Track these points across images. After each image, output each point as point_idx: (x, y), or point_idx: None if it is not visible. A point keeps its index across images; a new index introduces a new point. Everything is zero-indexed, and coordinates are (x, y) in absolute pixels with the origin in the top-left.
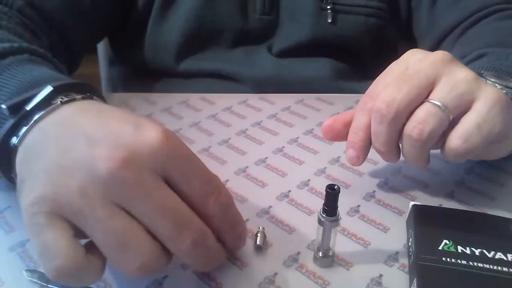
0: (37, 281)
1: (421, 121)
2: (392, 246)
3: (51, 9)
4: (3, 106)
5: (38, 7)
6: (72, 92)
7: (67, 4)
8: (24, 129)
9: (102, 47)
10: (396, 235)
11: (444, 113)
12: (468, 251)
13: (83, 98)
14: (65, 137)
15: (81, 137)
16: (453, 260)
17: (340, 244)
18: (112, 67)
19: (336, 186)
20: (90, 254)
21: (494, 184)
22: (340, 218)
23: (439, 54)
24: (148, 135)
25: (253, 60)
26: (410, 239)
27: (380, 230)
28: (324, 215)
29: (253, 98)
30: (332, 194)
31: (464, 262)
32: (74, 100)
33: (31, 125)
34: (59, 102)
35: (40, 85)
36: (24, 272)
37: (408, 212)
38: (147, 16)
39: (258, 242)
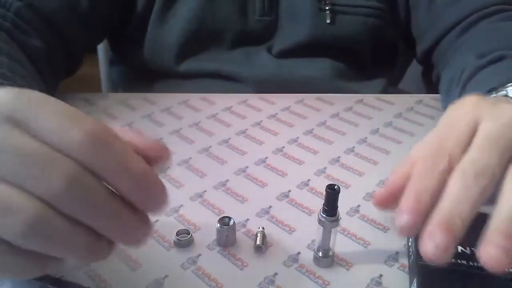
0: (37, 281)
1: None
2: (392, 246)
3: (49, 10)
4: None
5: (37, 8)
6: None
7: (65, 6)
8: None
9: (102, 47)
10: (396, 235)
11: None
12: (468, 251)
13: None
14: None
15: None
16: (453, 260)
17: (340, 244)
18: (112, 68)
19: (336, 186)
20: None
21: None
22: (340, 218)
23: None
24: None
25: (253, 60)
26: (410, 239)
27: (380, 230)
28: (324, 215)
29: (253, 98)
30: (332, 194)
31: (464, 262)
32: None
33: None
34: None
35: None
36: None
37: None
38: (147, 17)
39: (258, 242)
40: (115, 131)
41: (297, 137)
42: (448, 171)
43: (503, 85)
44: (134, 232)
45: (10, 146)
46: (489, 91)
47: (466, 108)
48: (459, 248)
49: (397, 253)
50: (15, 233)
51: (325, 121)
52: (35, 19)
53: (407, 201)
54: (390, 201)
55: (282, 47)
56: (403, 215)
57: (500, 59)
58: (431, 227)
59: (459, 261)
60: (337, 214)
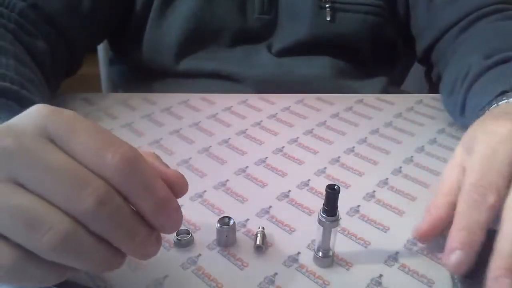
0: None
1: None
2: (392, 246)
3: (52, 10)
4: None
5: (40, 8)
6: None
7: (67, 6)
8: None
9: (102, 47)
10: (396, 235)
11: None
12: None
13: None
14: None
15: None
16: None
17: (340, 244)
18: (112, 67)
19: (336, 186)
20: None
21: None
22: (340, 218)
23: None
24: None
25: (252, 59)
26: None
27: (380, 230)
28: (324, 215)
29: (253, 98)
30: (332, 194)
31: None
32: None
33: None
34: None
35: None
36: None
37: None
38: (146, 15)
39: (258, 242)
40: (144, 156)
41: (297, 137)
42: (496, 204)
43: None
44: (148, 249)
45: (45, 160)
46: (500, 95)
47: (503, 136)
48: None
49: (397, 253)
50: (45, 247)
51: (325, 121)
52: (38, 20)
53: (458, 236)
54: (433, 234)
55: (281, 45)
56: (455, 251)
57: (507, 60)
58: (496, 272)
59: None
60: (337, 214)
